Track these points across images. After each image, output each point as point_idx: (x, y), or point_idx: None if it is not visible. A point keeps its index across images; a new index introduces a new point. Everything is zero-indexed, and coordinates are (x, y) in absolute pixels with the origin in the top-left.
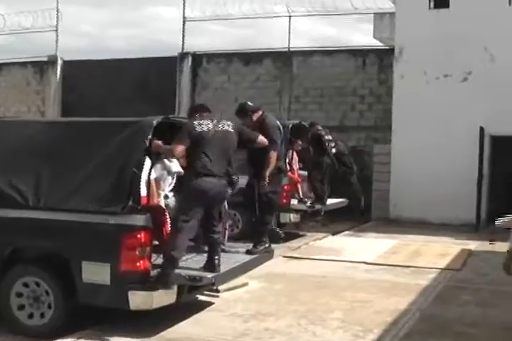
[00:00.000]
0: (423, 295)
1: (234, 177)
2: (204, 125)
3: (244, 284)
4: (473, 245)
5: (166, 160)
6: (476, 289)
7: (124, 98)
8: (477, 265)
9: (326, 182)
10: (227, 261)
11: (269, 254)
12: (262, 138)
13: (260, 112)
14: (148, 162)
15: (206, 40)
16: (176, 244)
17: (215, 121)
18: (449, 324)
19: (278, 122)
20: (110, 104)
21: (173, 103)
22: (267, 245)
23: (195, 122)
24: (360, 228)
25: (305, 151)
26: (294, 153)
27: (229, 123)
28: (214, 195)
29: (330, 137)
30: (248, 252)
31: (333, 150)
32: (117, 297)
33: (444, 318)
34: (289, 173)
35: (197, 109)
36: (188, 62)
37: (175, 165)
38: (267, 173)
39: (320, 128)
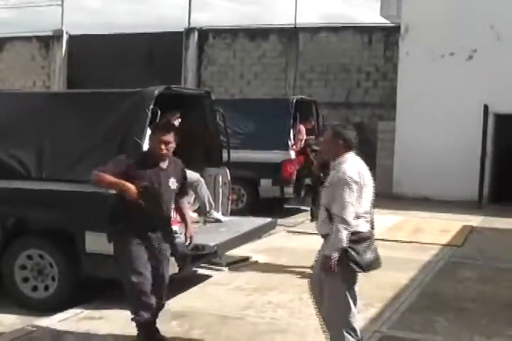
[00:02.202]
0: (424, 271)
1: None
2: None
3: (248, 258)
4: (475, 222)
5: None
6: (476, 265)
7: (130, 73)
8: (478, 241)
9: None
10: (228, 231)
11: (270, 224)
12: None
13: None
14: (149, 132)
15: (211, 15)
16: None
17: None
18: (448, 299)
19: None
20: (116, 80)
21: (178, 78)
22: None
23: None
24: None
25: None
26: (303, 128)
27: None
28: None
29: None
30: None
31: None
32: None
33: (444, 294)
34: (294, 147)
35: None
36: (194, 38)
37: None
38: None
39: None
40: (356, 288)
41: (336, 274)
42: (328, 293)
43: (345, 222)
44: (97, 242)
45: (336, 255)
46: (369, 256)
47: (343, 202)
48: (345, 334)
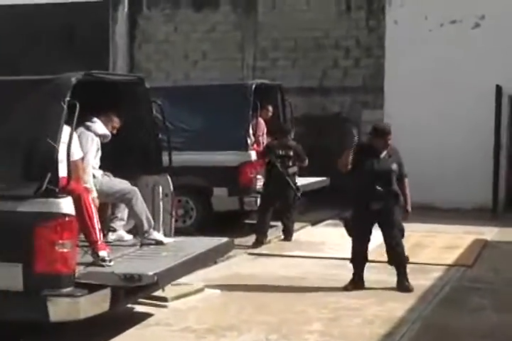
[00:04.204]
0: (425, 299)
1: None
2: None
3: (199, 290)
4: (489, 234)
5: (87, 123)
6: (491, 290)
7: (43, 54)
8: (493, 260)
9: (291, 215)
10: (172, 256)
11: (226, 245)
12: None
13: None
14: (67, 131)
15: None
16: None
17: None
18: (458, 335)
19: None
20: (24, 62)
21: (106, 60)
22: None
23: None
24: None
25: (274, 120)
26: (262, 122)
27: None
28: None
29: (285, 152)
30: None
31: (290, 170)
32: (33, 307)
33: (451, 328)
34: (255, 146)
35: None
36: (124, 8)
37: (100, 127)
38: None
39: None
40: None
41: None
42: None
43: None
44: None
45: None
46: None
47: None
48: None
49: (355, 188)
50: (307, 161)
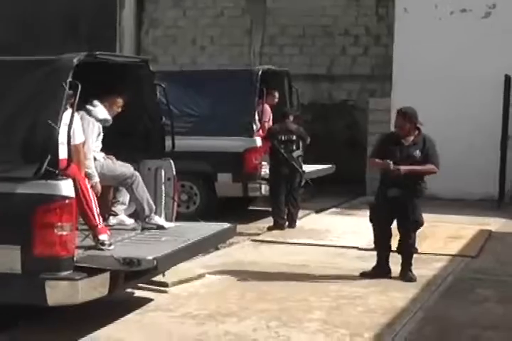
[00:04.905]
0: (428, 289)
1: None
2: None
3: (201, 276)
4: (494, 225)
5: (88, 106)
6: (496, 281)
7: (47, 39)
8: (499, 250)
9: (295, 201)
10: (173, 241)
11: (228, 230)
12: None
13: None
14: (68, 113)
15: None
16: None
17: None
18: (461, 326)
19: None
20: (26, 47)
21: (113, 45)
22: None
23: None
24: (350, 204)
25: (281, 106)
26: (267, 108)
27: None
28: None
29: (287, 137)
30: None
31: (295, 154)
32: (31, 289)
33: (454, 319)
34: (260, 132)
35: None
36: None
37: (101, 111)
38: None
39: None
40: None
41: None
42: None
43: None
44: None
45: None
46: None
47: None
48: None
49: (380, 176)
50: (309, 139)
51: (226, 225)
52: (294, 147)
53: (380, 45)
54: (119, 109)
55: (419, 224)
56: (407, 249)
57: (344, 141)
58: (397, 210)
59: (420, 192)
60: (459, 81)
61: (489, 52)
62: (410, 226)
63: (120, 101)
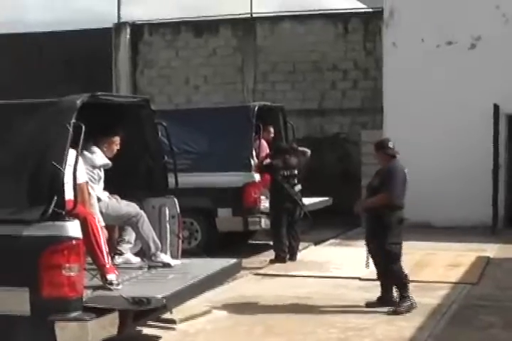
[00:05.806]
0: (434, 317)
1: None
2: None
3: (207, 312)
4: (491, 251)
5: (86, 153)
6: (499, 307)
7: (46, 81)
8: (498, 276)
9: (296, 233)
10: (180, 278)
11: (235, 266)
12: None
13: None
14: (73, 154)
15: (147, 9)
16: None
17: None
18: None
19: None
20: (28, 89)
21: (109, 86)
22: (411, 301)
23: None
24: (348, 235)
25: (277, 140)
26: (264, 143)
27: None
28: None
29: (290, 172)
30: (393, 312)
31: (297, 188)
32: (41, 331)
33: None
34: (258, 168)
35: None
36: (126, 35)
37: (98, 157)
38: None
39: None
40: None
41: None
42: None
43: None
44: (6, 300)
45: None
46: None
47: None
48: None
49: None
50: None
51: (232, 261)
52: (296, 181)
53: (369, 79)
54: (118, 146)
55: (391, 253)
56: (389, 279)
57: (337, 173)
58: (372, 241)
59: (388, 222)
60: (448, 111)
61: (477, 82)
62: (383, 257)
63: (117, 138)
